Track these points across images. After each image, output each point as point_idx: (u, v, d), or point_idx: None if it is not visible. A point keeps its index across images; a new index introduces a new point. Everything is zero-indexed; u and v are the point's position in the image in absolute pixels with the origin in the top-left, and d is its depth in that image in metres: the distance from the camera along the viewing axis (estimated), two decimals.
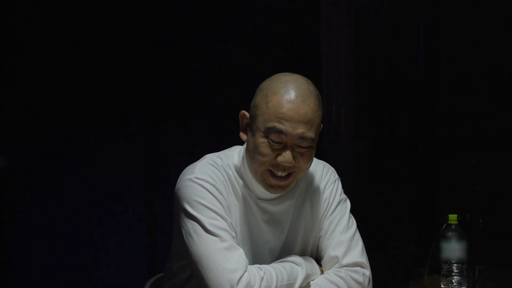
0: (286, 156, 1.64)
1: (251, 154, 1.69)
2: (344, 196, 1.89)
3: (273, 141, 1.65)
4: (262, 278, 1.58)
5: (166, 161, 3.42)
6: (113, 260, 3.29)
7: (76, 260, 3.20)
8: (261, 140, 1.66)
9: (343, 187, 1.93)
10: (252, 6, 3.59)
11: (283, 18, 3.66)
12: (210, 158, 1.77)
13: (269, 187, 1.70)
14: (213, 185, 1.69)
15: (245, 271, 1.58)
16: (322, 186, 1.87)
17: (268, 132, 1.64)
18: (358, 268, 1.75)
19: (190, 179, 1.69)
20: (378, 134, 3.67)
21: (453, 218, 1.80)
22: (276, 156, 1.66)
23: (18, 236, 3.10)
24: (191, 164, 1.76)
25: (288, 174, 1.68)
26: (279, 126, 1.63)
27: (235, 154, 1.81)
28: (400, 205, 3.53)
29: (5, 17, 3.02)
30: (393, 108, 3.60)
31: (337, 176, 1.92)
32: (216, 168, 1.74)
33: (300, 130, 1.64)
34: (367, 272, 1.77)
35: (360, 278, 1.73)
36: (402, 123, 3.56)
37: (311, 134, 1.66)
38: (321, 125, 1.74)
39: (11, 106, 3.07)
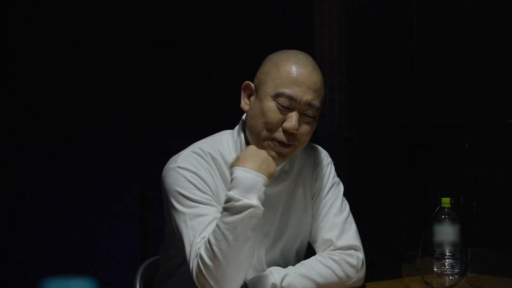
0: (293, 121, 1.66)
1: (255, 121, 1.70)
2: (337, 179, 1.91)
3: (282, 106, 1.66)
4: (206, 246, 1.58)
5: (159, 148, 3.42)
6: (107, 245, 3.30)
7: (70, 245, 3.20)
8: (269, 104, 1.68)
9: (336, 172, 1.94)
10: None
11: (277, 2, 3.65)
12: (196, 146, 1.78)
13: (272, 153, 1.69)
14: (196, 173, 1.70)
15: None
16: (315, 169, 1.88)
17: (278, 96, 1.67)
18: (352, 251, 1.76)
19: (173, 168, 1.71)
20: (371, 120, 3.68)
21: (446, 201, 1.81)
22: (282, 123, 1.67)
23: (13, 225, 3.11)
24: (177, 153, 1.77)
25: (289, 144, 1.69)
26: (290, 91, 1.66)
27: (224, 137, 1.81)
28: (394, 190, 3.55)
29: None
30: (387, 95, 3.61)
31: (330, 159, 1.93)
32: (201, 156, 1.74)
33: (309, 96, 1.68)
34: (361, 255, 1.78)
35: (354, 261, 1.75)
36: (396, 109, 3.57)
37: (317, 102, 1.70)
38: None
39: (3, 104, 3.06)
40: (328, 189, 1.86)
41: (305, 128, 1.70)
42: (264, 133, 1.69)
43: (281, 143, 1.68)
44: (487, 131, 3.19)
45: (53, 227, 3.16)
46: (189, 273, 1.64)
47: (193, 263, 1.59)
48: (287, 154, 1.72)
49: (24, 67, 3.09)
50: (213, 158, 1.75)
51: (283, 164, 1.80)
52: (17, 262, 3.07)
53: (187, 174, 1.69)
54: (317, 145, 1.95)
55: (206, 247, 1.56)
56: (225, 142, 1.80)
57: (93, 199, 3.28)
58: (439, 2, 3.38)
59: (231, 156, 1.77)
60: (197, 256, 1.58)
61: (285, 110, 1.67)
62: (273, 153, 1.70)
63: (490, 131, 3.18)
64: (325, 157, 1.92)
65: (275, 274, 1.64)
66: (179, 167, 1.70)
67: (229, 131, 1.85)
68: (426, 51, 3.42)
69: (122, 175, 3.38)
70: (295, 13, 3.72)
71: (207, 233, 1.59)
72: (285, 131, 1.67)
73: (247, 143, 1.75)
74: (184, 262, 1.77)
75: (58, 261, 3.13)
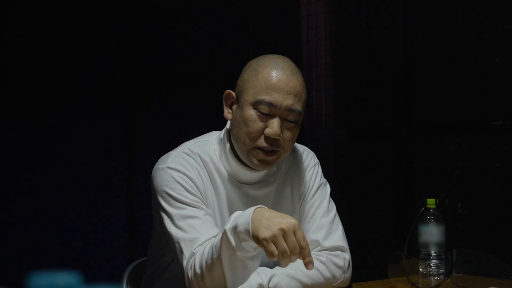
0: (274, 127, 1.66)
1: (238, 130, 1.70)
2: (324, 180, 1.91)
3: (262, 113, 1.66)
4: (195, 257, 1.60)
5: (145, 148, 3.42)
6: (93, 245, 3.30)
7: (56, 247, 3.19)
8: (250, 113, 1.68)
9: (323, 173, 1.95)
10: None
11: (263, 5, 3.66)
12: (185, 147, 1.78)
13: (256, 161, 1.70)
14: (185, 174, 1.70)
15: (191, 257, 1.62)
16: (302, 170, 1.88)
17: (258, 104, 1.67)
18: (338, 252, 1.76)
19: (162, 169, 1.72)
20: (357, 120, 3.70)
21: (431, 202, 1.83)
22: (264, 130, 1.67)
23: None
24: (167, 153, 1.78)
25: (273, 150, 1.69)
26: (269, 98, 1.66)
27: (212, 140, 1.82)
28: (379, 191, 3.56)
29: None
30: (373, 95, 3.62)
31: (317, 160, 1.94)
32: (191, 156, 1.75)
33: (289, 101, 1.67)
34: (347, 256, 1.79)
35: (340, 262, 1.75)
36: (381, 109, 3.59)
37: (299, 107, 1.69)
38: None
39: None
40: (315, 190, 1.87)
41: (287, 134, 1.70)
42: (248, 142, 1.69)
43: (264, 150, 1.69)
44: (472, 132, 3.21)
45: (38, 225, 3.15)
46: (176, 274, 1.65)
47: (187, 272, 1.60)
48: (271, 162, 1.72)
49: (10, 66, 3.07)
50: (202, 159, 1.76)
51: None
52: (2, 258, 3.07)
53: (176, 174, 1.70)
54: (304, 146, 1.96)
55: (200, 264, 1.57)
56: (211, 145, 1.80)
57: (79, 200, 3.27)
58: (424, 3, 3.40)
59: (217, 159, 1.78)
60: (192, 267, 1.59)
61: (266, 117, 1.67)
62: (257, 162, 1.70)
63: (475, 132, 3.20)
64: (312, 158, 1.93)
65: (262, 274, 1.65)
66: (168, 167, 1.71)
67: (217, 132, 1.86)
68: (411, 52, 3.45)
69: (108, 176, 3.37)
70: (282, 16, 3.74)
71: (204, 239, 1.62)
72: (267, 138, 1.67)
73: (234, 151, 1.76)
74: (171, 263, 1.78)
75: (43, 260, 3.12)
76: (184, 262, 1.62)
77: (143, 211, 3.37)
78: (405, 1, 3.45)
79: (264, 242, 1.44)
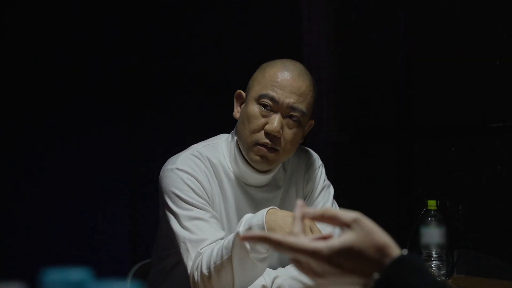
0: (275, 123, 1.68)
1: (241, 127, 1.73)
2: (327, 182, 1.93)
3: (264, 108, 1.69)
4: (203, 258, 1.62)
5: (148, 150, 3.43)
6: (96, 248, 3.31)
7: (61, 249, 3.21)
8: (253, 109, 1.71)
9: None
10: None
11: (264, 9, 3.68)
12: (195, 149, 1.80)
13: (256, 157, 1.72)
14: (193, 176, 1.72)
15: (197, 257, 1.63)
16: (306, 172, 1.90)
17: (261, 98, 1.70)
18: None
19: (171, 170, 1.74)
20: (359, 123, 3.71)
21: (432, 204, 1.84)
22: (265, 126, 1.70)
23: (7, 225, 3.11)
24: (176, 154, 1.79)
25: (273, 148, 1.70)
26: (272, 93, 1.69)
27: (221, 142, 1.83)
28: (381, 193, 3.57)
29: None
30: (373, 98, 3.64)
31: (320, 162, 1.96)
32: (199, 159, 1.76)
33: (292, 100, 1.69)
34: None
35: None
36: (382, 112, 3.60)
37: (302, 106, 1.71)
38: (313, 121, 1.80)
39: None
40: (319, 192, 1.88)
41: (288, 133, 1.71)
42: (249, 138, 1.71)
43: (265, 146, 1.70)
44: (473, 134, 3.23)
45: (43, 226, 3.17)
46: (182, 278, 1.66)
47: (193, 273, 1.61)
48: (271, 159, 1.72)
49: (17, 69, 3.09)
50: (211, 162, 1.77)
51: (274, 172, 1.82)
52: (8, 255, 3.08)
53: (185, 176, 1.71)
54: (308, 148, 1.97)
55: (208, 265, 1.58)
56: (220, 148, 1.82)
57: (83, 201, 3.28)
58: (425, 7, 3.42)
59: (225, 161, 1.79)
60: (198, 268, 1.60)
61: (268, 112, 1.69)
62: (257, 158, 1.72)
63: (476, 134, 3.22)
64: (316, 160, 1.95)
65: (266, 276, 1.66)
66: (177, 168, 1.73)
67: (226, 135, 1.87)
68: (412, 55, 3.46)
69: (111, 178, 3.38)
70: (283, 19, 3.75)
71: (210, 240, 1.63)
72: (267, 134, 1.69)
73: (242, 153, 1.77)
74: (176, 265, 1.79)
75: (46, 259, 3.13)
76: (190, 263, 1.63)
77: (146, 211, 3.38)
78: (405, 5, 3.47)
79: None
